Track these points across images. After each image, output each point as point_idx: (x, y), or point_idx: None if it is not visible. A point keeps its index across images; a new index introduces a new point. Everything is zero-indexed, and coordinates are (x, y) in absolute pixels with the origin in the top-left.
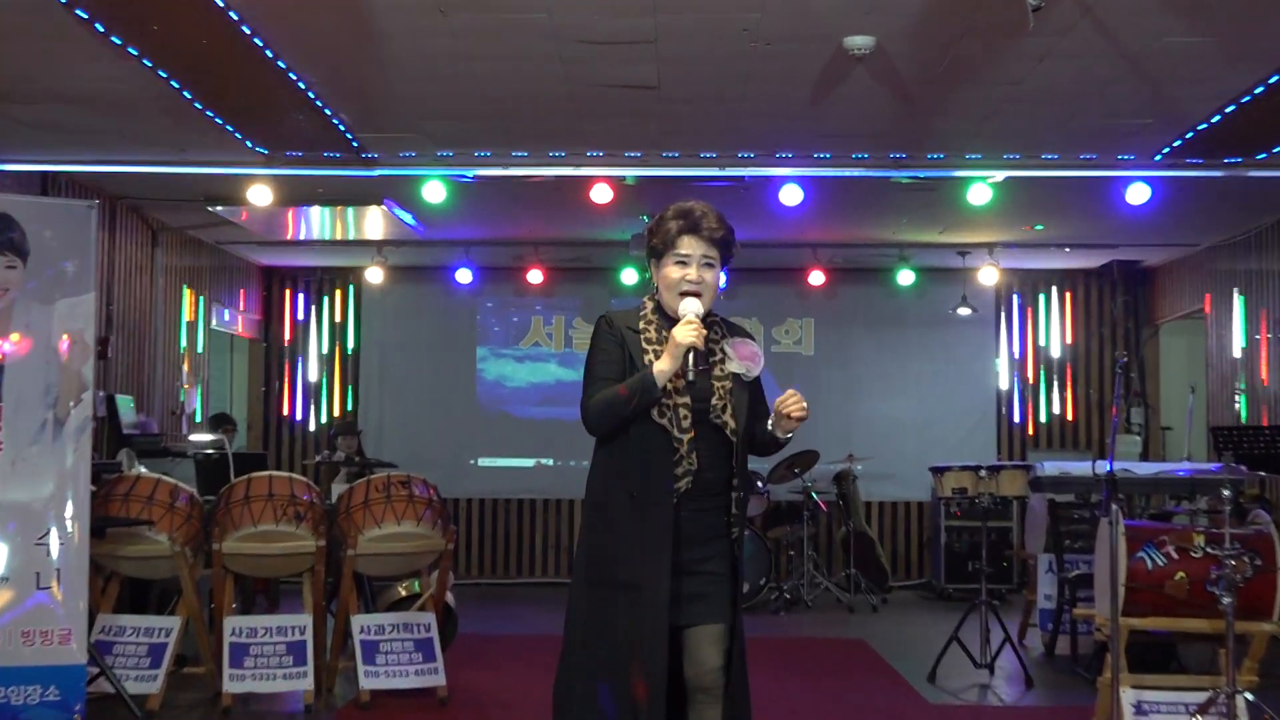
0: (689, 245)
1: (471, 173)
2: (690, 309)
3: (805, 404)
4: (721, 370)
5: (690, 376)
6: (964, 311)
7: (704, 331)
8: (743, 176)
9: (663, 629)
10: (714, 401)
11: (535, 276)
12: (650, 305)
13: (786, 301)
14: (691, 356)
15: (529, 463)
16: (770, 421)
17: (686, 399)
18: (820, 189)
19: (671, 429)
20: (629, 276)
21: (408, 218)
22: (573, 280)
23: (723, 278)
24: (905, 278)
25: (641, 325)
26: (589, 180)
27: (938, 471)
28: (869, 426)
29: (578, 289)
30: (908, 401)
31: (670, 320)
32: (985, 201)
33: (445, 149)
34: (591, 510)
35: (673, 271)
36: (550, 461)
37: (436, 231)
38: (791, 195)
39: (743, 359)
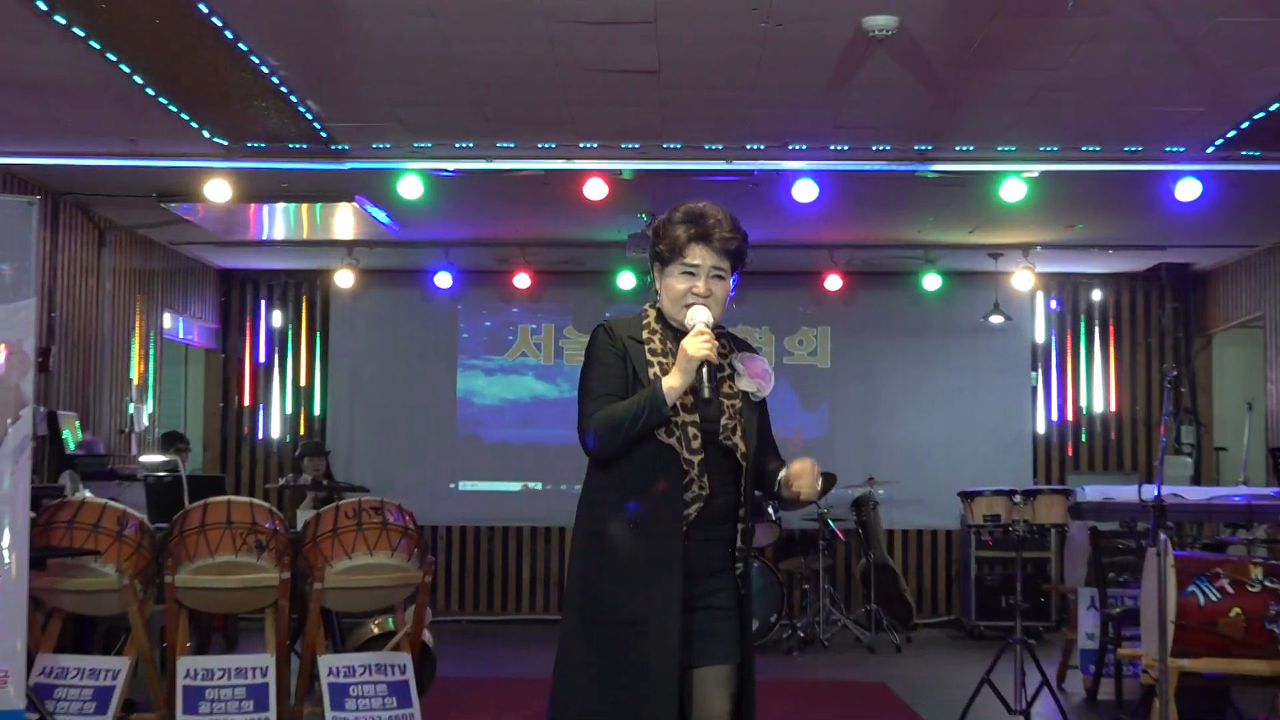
0: (698, 255)
1: (452, 166)
2: (700, 318)
3: (818, 485)
4: (731, 388)
5: (706, 393)
6: (996, 319)
7: (716, 343)
8: (752, 170)
9: (673, 670)
10: (724, 421)
11: (522, 281)
12: (653, 314)
13: (800, 308)
14: (705, 371)
15: (515, 487)
16: (780, 479)
17: (695, 417)
18: (838, 184)
19: (681, 449)
20: (626, 280)
21: (381, 216)
22: (564, 285)
23: (731, 286)
24: (931, 282)
25: (645, 335)
26: (582, 174)
27: (967, 496)
28: (891, 447)
29: (569, 295)
30: (934, 419)
31: (676, 331)
32: (1020, 198)
33: (423, 139)
34: (586, 539)
35: (678, 282)
36: (538, 485)
37: (413, 231)
38: (806, 191)
39: (753, 376)
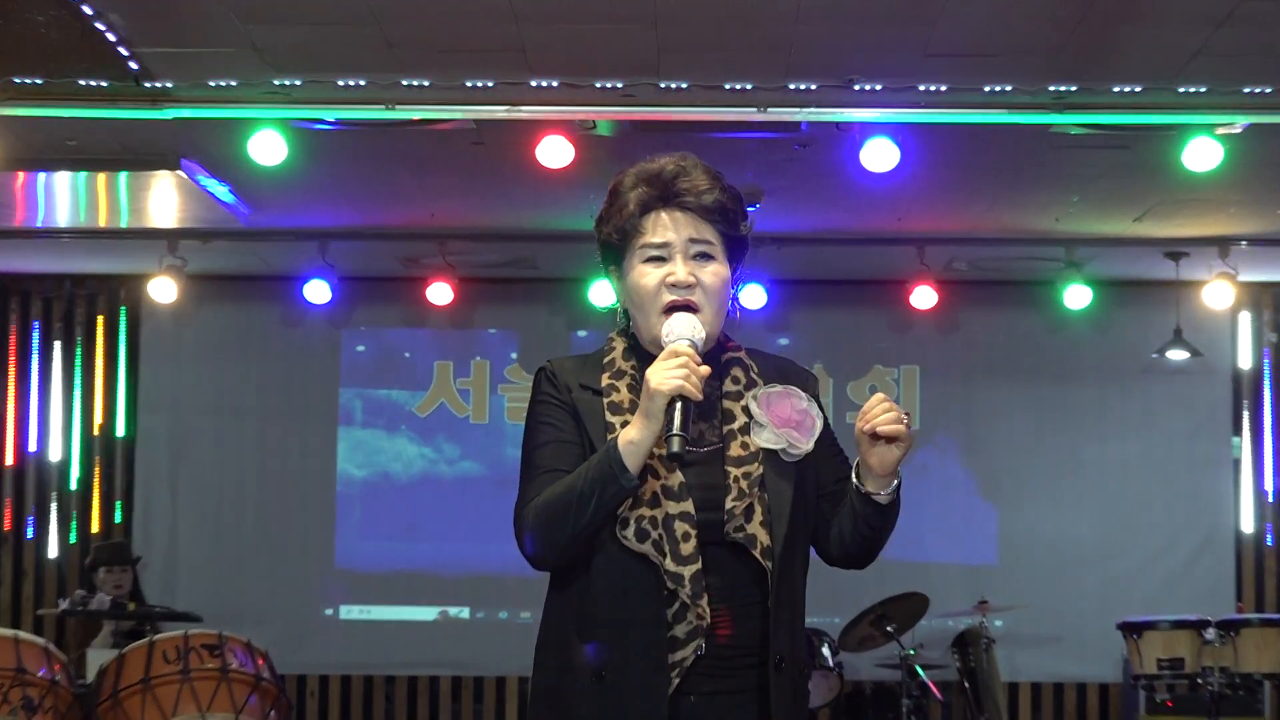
0: (663, 225)
1: (333, 114)
2: (680, 330)
3: (899, 412)
4: (745, 444)
5: (674, 448)
6: (1178, 355)
7: (701, 368)
8: (799, 124)
9: None
10: (731, 503)
11: (441, 294)
12: (620, 346)
13: (872, 339)
14: (679, 413)
15: (429, 614)
16: (854, 473)
17: (687, 502)
18: (929, 146)
19: (660, 557)
20: (601, 293)
21: (222, 192)
22: (506, 301)
23: (726, 273)
24: (1076, 297)
25: (606, 381)
26: (535, 129)
27: (1133, 630)
28: (1014, 551)
29: (514, 316)
30: (1080, 510)
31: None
32: (1213, 166)
33: (287, 74)
34: (540, 699)
35: (644, 276)
36: (466, 613)
37: (272, 216)
38: (881, 156)
39: (781, 425)
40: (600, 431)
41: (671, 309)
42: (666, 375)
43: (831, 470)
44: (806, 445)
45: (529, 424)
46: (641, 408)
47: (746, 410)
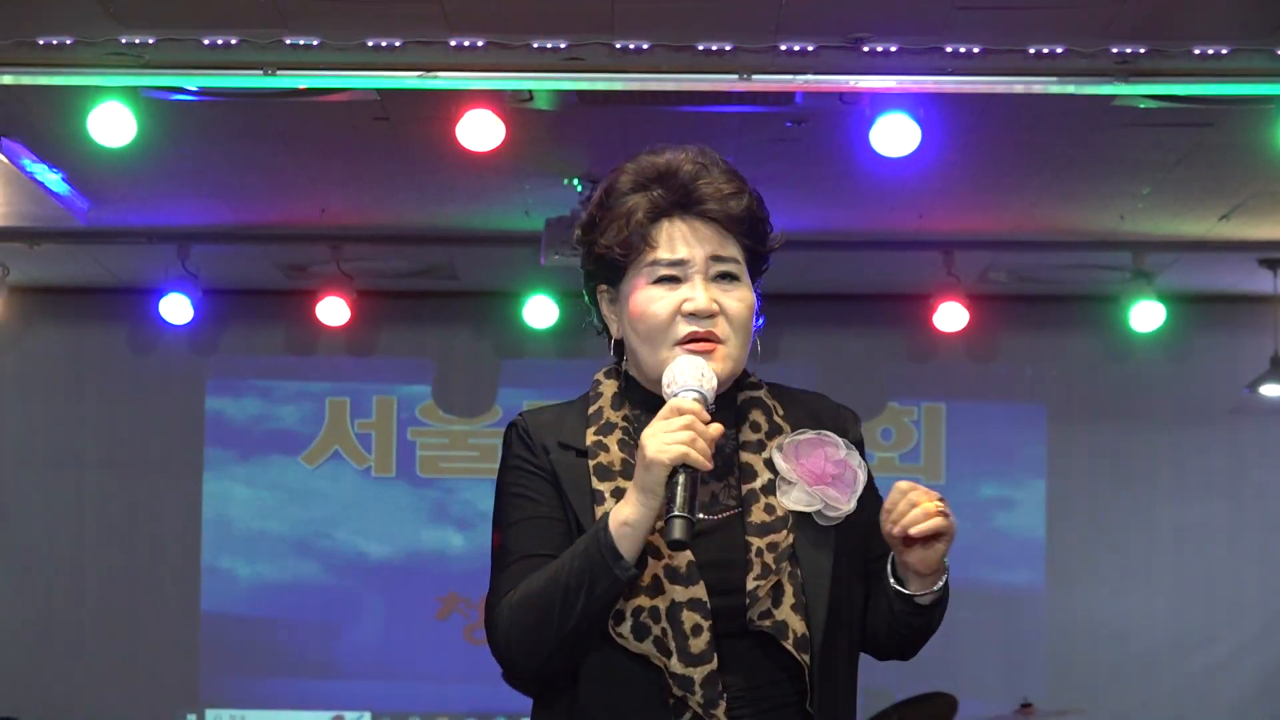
0: (680, 238)
1: (195, 81)
2: (685, 378)
3: (932, 501)
4: (770, 506)
5: (675, 533)
6: (1275, 390)
7: (711, 428)
8: (792, 95)
9: None
10: (753, 583)
11: (334, 311)
12: (610, 391)
13: (885, 368)
14: (682, 488)
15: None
16: (889, 567)
17: (697, 587)
18: (958, 123)
19: (664, 658)
20: (540, 310)
21: (54, 181)
22: (417, 319)
23: (753, 298)
24: (1146, 316)
25: (592, 438)
26: (454, 101)
27: None
28: (1066, 640)
29: (428, 339)
30: (1151, 587)
31: (655, 412)
32: None
33: (138, 29)
34: None
35: (653, 301)
36: (368, 718)
37: (117, 211)
38: (897, 136)
39: (814, 481)
40: (586, 503)
41: (690, 342)
42: (666, 440)
43: (878, 536)
44: (847, 505)
45: (498, 496)
46: (636, 480)
47: (770, 464)
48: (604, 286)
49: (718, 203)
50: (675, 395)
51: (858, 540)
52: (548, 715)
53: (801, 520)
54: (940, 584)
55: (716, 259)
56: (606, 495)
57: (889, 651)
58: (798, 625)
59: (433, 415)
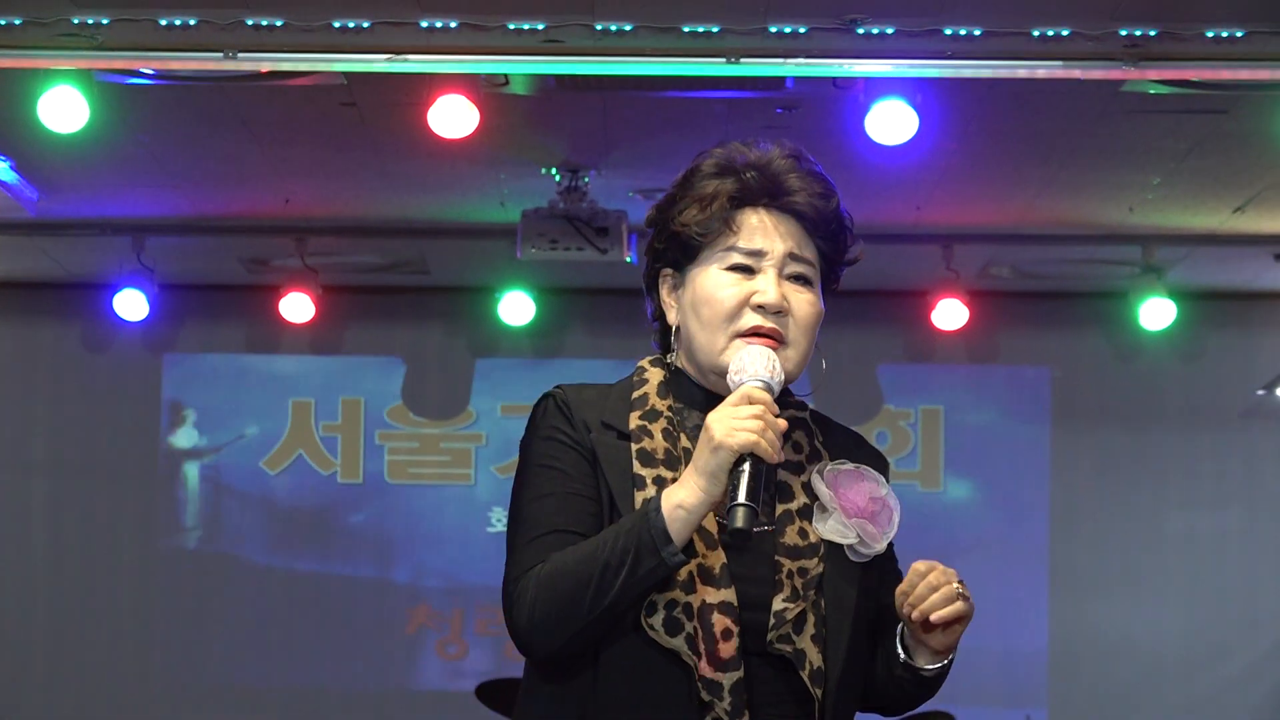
0: (761, 228)
1: (153, 64)
2: (755, 367)
3: (951, 583)
4: (804, 530)
5: (738, 521)
6: None
7: (780, 422)
8: (782, 80)
9: None
10: (780, 604)
11: (298, 307)
12: (656, 378)
13: (881, 369)
14: (747, 477)
15: None
16: (898, 638)
17: (729, 590)
18: (957, 110)
19: (694, 658)
20: (516, 308)
21: (2, 169)
22: (386, 316)
23: (822, 307)
24: (1155, 314)
25: (637, 422)
26: (426, 86)
27: None
28: (1071, 655)
29: (397, 335)
30: (1161, 598)
31: (707, 402)
32: None
33: (91, 9)
34: None
35: (722, 287)
36: None
37: (69, 202)
38: (893, 123)
39: (854, 514)
40: (626, 486)
41: (753, 335)
42: (736, 425)
43: (889, 588)
44: (879, 545)
45: (525, 466)
46: (697, 463)
47: (808, 489)
48: (668, 271)
49: (807, 198)
50: (743, 383)
51: (876, 584)
52: (554, 695)
53: (832, 551)
54: (950, 659)
55: (794, 257)
56: (648, 481)
57: (875, 706)
58: (815, 657)
59: (402, 418)
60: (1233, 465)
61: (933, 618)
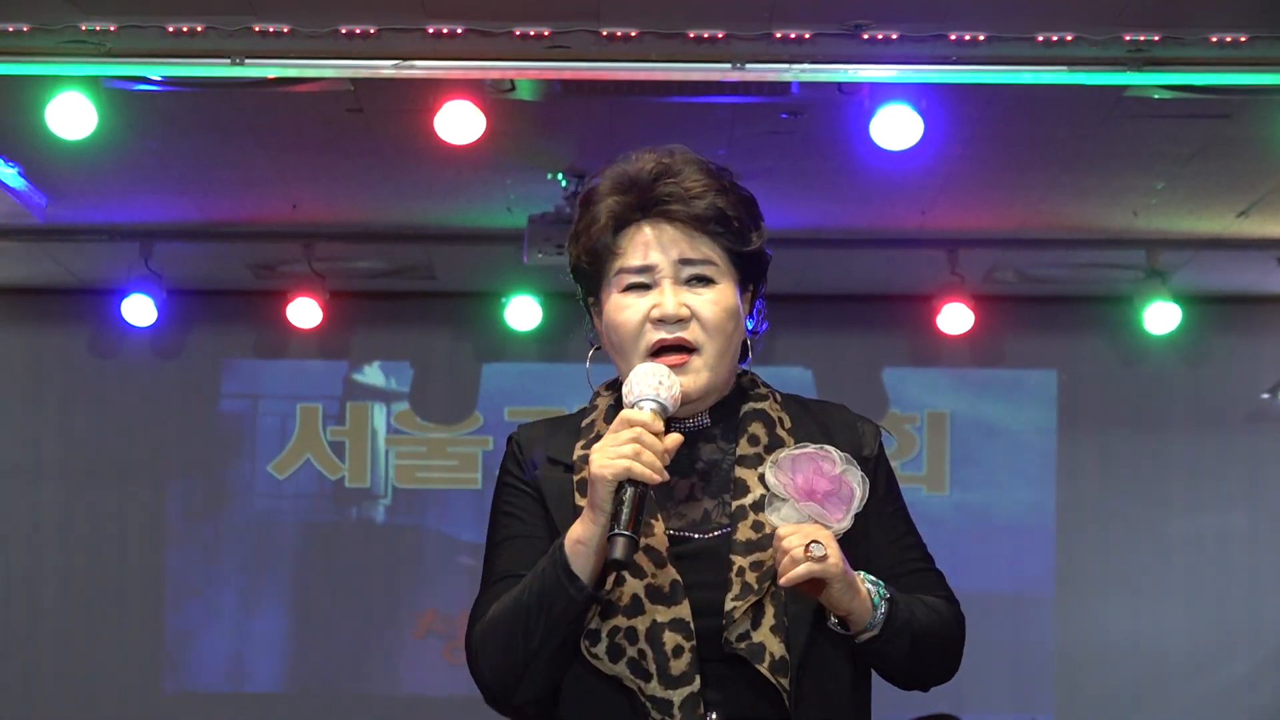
0: (644, 243)
1: (160, 71)
2: (642, 386)
3: (798, 544)
4: (758, 524)
5: (615, 552)
6: None
7: (668, 439)
8: (788, 85)
9: None
10: (730, 603)
11: (306, 312)
12: (605, 404)
13: (886, 373)
14: (627, 504)
15: None
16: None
17: (681, 606)
18: (962, 115)
19: (638, 680)
20: (523, 313)
21: (10, 175)
22: (394, 321)
23: (732, 300)
24: (1160, 317)
25: (579, 451)
26: (432, 91)
27: None
28: (1075, 658)
29: (405, 341)
30: (1165, 603)
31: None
32: None
33: (99, 15)
34: None
35: (622, 309)
36: None
37: (77, 208)
38: (898, 128)
39: (805, 497)
40: (569, 519)
41: (660, 350)
42: (610, 454)
43: (887, 560)
44: (838, 524)
45: (491, 515)
46: (589, 497)
47: (764, 476)
48: (591, 299)
49: (681, 203)
50: (633, 400)
51: (863, 560)
52: None
53: None
54: (873, 620)
55: (686, 262)
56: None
57: (896, 682)
58: (776, 647)
59: (409, 422)
60: (1237, 469)
61: (780, 581)
